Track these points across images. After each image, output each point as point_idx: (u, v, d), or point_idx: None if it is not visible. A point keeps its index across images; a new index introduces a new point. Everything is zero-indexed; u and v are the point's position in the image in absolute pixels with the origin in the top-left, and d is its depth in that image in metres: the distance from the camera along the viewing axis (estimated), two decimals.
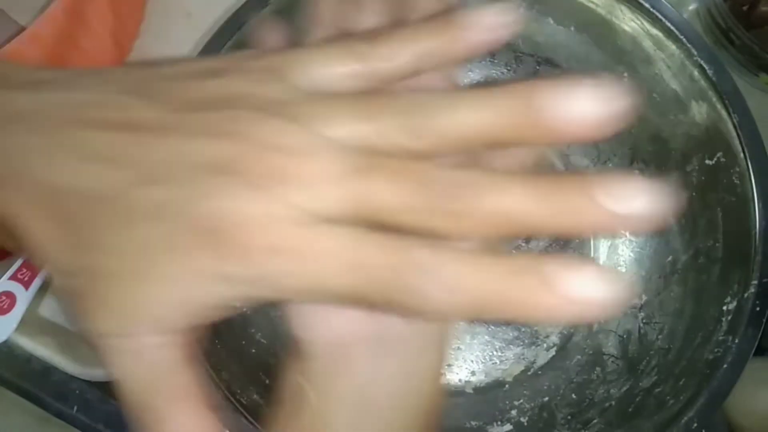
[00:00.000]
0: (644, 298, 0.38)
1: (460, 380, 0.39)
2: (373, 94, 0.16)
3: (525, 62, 0.40)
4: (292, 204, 0.14)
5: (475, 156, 0.17)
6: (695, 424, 0.29)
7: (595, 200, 0.13)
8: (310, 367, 0.19)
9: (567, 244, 0.42)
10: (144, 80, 0.16)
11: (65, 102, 0.16)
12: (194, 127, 0.15)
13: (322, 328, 0.19)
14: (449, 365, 0.39)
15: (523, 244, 0.41)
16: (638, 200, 0.13)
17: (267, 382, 0.34)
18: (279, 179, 0.14)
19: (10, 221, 0.16)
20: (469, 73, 0.41)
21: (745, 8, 0.41)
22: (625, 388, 0.35)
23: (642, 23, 0.35)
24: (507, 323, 0.40)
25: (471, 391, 0.39)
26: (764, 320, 0.30)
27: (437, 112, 0.15)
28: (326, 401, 0.18)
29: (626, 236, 0.40)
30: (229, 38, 0.34)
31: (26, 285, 0.40)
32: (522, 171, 0.17)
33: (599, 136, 0.14)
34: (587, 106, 0.14)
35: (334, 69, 0.16)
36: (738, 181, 0.33)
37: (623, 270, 0.39)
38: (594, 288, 0.13)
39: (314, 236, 0.14)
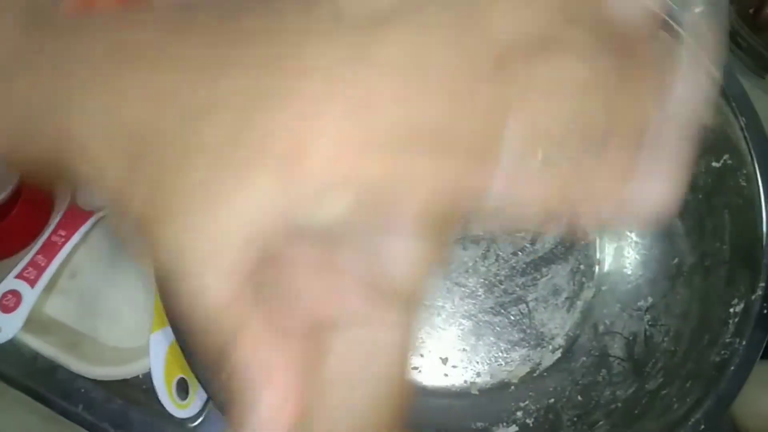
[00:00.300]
0: (650, 300, 0.38)
1: (465, 381, 0.39)
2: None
3: None
4: (361, 125, 0.15)
5: None
6: (702, 426, 0.29)
7: None
8: None
9: (572, 246, 0.42)
10: (195, 17, 0.16)
11: (120, 45, 0.16)
12: (251, 61, 0.15)
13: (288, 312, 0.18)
14: (455, 366, 0.39)
15: (528, 246, 0.42)
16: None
17: None
18: (346, 106, 0.15)
19: (78, 156, 0.16)
20: None
21: (751, 11, 0.41)
22: (631, 390, 0.35)
23: None
24: (515, 315, 0.40)
25: (476, 393, 0.39)
26: None
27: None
28: None
29: (632, 238, 0.40)
30: None
31: (32, 283, 0.40)
32: None
33: None
34: None
35: None
36: (745, 183, 0.33)
37: (630, 270, 0.39)
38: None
39: (378, 154, 0.15)
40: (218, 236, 0.15)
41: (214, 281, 0.15)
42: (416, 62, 0.15)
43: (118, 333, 0.41)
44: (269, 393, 0.16)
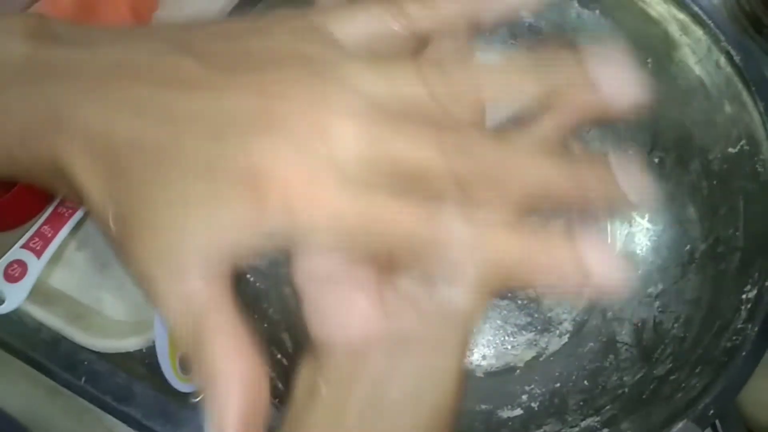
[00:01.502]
0: (660, 287, 0.37)
1: (470, 363, 0.39)
2: (412, 57, 0.18)
3: (547, 46, 0.40)
4: (330, 162, 0.15)
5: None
6: (711, 412, 0.29)
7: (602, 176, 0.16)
8: (325, 365, 0.19)
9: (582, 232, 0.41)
10: (193, 39, 0.17)
11: (120, 60, 0.17)
12: (241, 85, 0.16)
13: (340, 328, 0.18)
14: None
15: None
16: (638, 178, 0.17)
17: (279, 357, 0.34)
18: (320, 137, 0.15)
19: (66, 169, 0.16)
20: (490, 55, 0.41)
21: None
22: (639, 376, 0.35)
23: (669, 7, 0.34)
24: (523, 299, 0.40)
25: (482, 375, 0.39)
26: None
27: (479, 77, 0.17)
28: (340, 398, 0.18)
29: (643, 225, 0.40)
30: (250, 10, 0.34)
31: (38, 254, 0.40)
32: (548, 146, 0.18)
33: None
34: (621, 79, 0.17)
35: (375, 25, 0.18)
36: (761, 169, 0.32)
37: (640, 257, 0.39)
38: (611, 268, 0.16)
39: (349, 194, 0.15)
40: (180, 261, 0.16)
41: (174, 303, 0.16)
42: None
43: (123, 306, 0.41)
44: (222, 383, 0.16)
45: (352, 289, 0.18)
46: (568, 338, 0.39)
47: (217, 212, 0.15)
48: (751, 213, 0.33)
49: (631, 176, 0.16)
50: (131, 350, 0.39)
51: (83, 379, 0.39)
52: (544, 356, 0.39)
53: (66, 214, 0.41)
